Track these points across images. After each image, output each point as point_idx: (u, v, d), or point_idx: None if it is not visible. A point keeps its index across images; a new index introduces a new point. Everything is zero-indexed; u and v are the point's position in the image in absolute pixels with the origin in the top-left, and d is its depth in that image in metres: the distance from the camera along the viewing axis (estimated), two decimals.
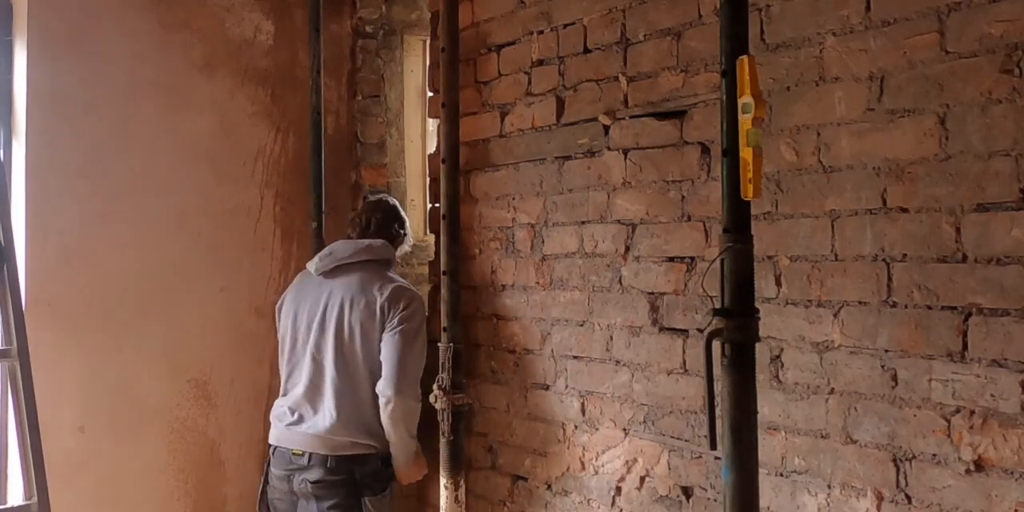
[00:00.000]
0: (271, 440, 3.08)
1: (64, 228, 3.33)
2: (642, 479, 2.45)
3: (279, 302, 3.25)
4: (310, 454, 2.92)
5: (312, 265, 3.13)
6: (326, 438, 2.92)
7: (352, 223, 3.24)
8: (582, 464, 2.64)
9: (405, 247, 3.35)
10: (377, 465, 2.96)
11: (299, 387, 3.04)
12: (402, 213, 3.30)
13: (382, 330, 2.95)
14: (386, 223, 3.20)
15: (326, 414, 2.95)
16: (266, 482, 3.07)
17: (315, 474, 2.90)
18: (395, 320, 2.95)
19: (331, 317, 3.01)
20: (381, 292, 2.98)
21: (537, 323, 2.82)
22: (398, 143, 4.01)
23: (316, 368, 3.02)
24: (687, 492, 2.33)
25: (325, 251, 3.14)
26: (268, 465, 3.07)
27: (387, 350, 2.93)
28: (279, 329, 3.20)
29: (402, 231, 3.26)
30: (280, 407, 3.09)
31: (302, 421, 2.99)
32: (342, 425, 2.92)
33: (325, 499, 2.89)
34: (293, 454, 2.95)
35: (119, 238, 3.43)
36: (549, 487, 2.77)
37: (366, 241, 3.13)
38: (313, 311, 3.06)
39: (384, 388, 2.91)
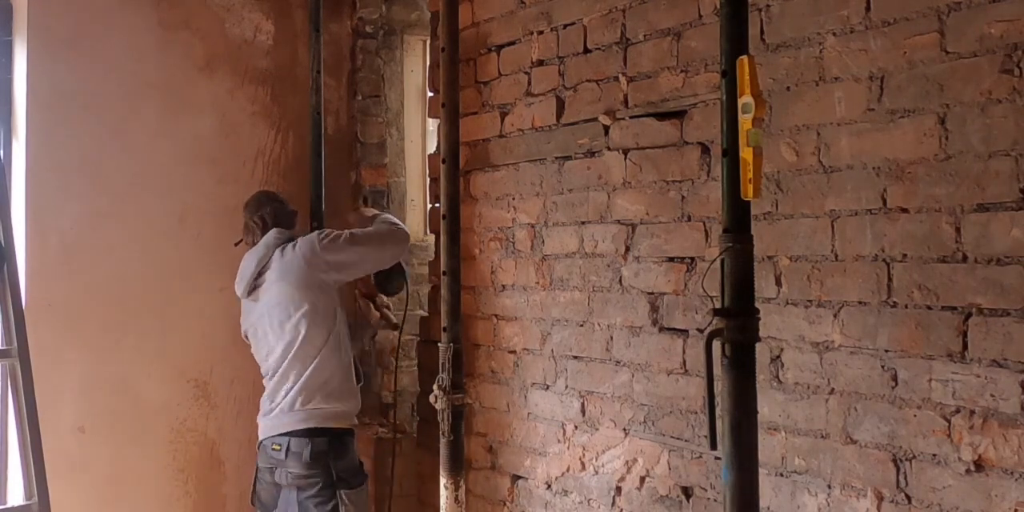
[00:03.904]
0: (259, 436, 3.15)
1: (64, 228, 3.33)
2: (642, 479, 2.45)
3: (242, 331, 3.28)
4: (286, 449, 2.97)
5: (238, 292, 3.21)
6: (290, 414, 2.99)
7: (247, 231, 3.24)
8: (582, 464, 2.64)
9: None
10: (353, 460, 3.03)
11: (270, 384, 3.12)
12: (280, 195, 3.34)
13: (318, 279, 3.01)
14: (279, 211, 3.22)
15: (288, 395, 3.02)
16: (256, 476, 3.14)
17: (293, 468, 2.96)
18: (317, 246, 3.01)
19: (274, 320, 3.06)
20: (295, 256, 3.03)
21: (537, 323, 2.82)
22: (398, 143, 4.00)
23: (280, 363, 3.07)
24: (687, 492, 2.33)
25: (238, 275, 3.19)
26: (258, 460, 3.14)
27: (346, 255, 3.03)
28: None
29: (290, 208, 3.28)
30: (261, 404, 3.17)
31: (272, 409, 3.06)
32: (302, 400, 2.99)
33: (304, 490, 2.96)
34: (272, 449, 3.00)
35: (119, 238, 3.43)
36: (549, 487, 2.77)
37: (260, 243, 3.15)
38: (264, 327, 3.10)
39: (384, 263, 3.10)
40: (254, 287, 3.14)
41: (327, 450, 2.96)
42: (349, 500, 2.95)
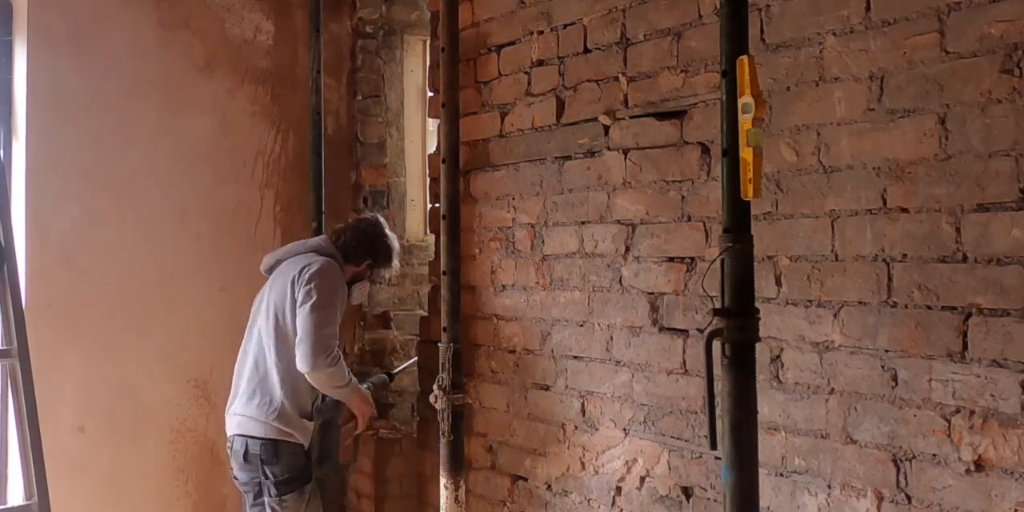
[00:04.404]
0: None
1: (64, 228, 3.33)
2: (642, 479, 2.45)
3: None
4: (233, 439, 3.00)
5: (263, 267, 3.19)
6: (241, 418, 2.99)
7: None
8: (582, 464, 2.64)
9: (389, 271, 3.30)
10: (288, 465, 2.96)
11: (236, 376, 3.12)
12: (381, 234, 3.19)
13: (293, 303, 2.98)
14: (353, 242, 3.13)
15: (243, 396, 3.02)
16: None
17: (235, 467, 3.01)
18: (300, 295, 2.95)
19: (261, 309, 3.07)
20: (298, 273, 2.99)
21: (537, 323, 2.82)
22: (398, 143, 4.01)
23: (244, 357, 3.10)
24: (687, 492, 2.33)
25: (271, 252, 3.21)
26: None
27: (298, 325, 2.94)
28: None
29: (368, 255, 3.15)
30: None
31: (232, 405, 3.07)
32: (255, 406, 2.97)
33: (247, 494, 3.02)
34: (228, 445, 3.04)
35: (119, 238, 3.43)
36: (549, 487, 2.77)
37: (304, 240, 3.17)
38: (256, 305, 3.12)
39: (300, 365, 2.93)
40: (276, 263, 3.12)
41: (264, 443, 2.94)
42: (270, 508, 2.96)
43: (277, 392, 2.96)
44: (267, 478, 2.94)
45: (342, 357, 2.98)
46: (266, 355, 3.01)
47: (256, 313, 3.11)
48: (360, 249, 3.13)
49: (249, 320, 3.15)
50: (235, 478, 3.06)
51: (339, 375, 2.96)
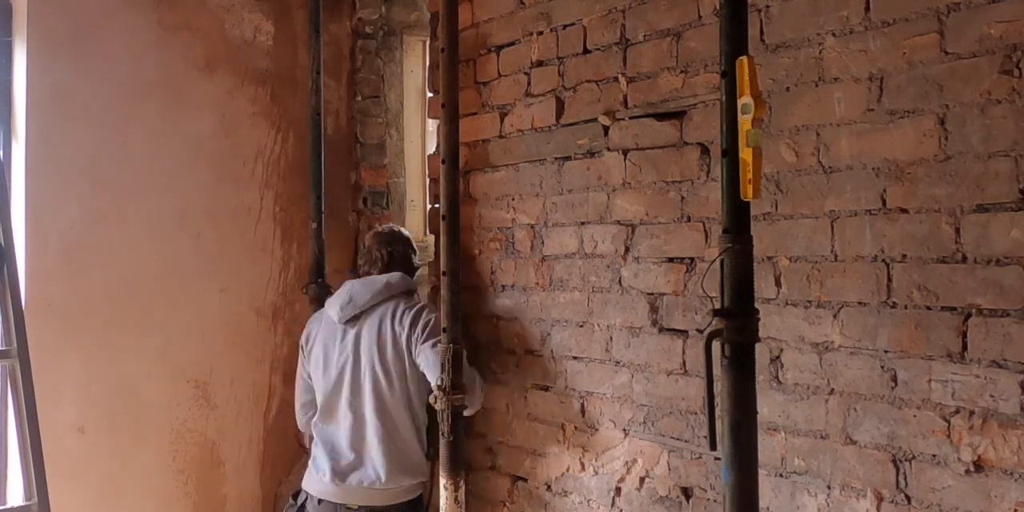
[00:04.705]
0: (311, 490, 3.01)
1: (64, 228, 3.33)
2: (642, 480, 2.45)
3: (303, 339, 3.18)
4: (367, 509, 2.91)
5: (335, 314, 3.04)
6: (381, 491, 2.92)
7: (368, 259, 3.15)
8: (582, 464, 2.64)
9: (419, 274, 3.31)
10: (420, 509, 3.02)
11: (341, 439, 2.99)
12: (413, 242, 3.25)
13: (411, 356, 2.93)
14: (405, 254, 3.14)
15: (376, 465, 2.93)
16: None
17: None
18: (418, 335, 2.91)
19: (364, 364, 2.96)
20: (402, 325, 2.94)
21: (537, 323, 2.82)
22: (398, 143, 4.01)
23: (356, 418, 2.97)
24: (687, 493, 2.33)
25: (344, 297, 3.04)
26: (301, 505, 3.03)
27: (427, 365, 2.88)
28: (306, 369, 3.15)
29: (416, 260, 3.21)
30: (321, 458, 3.01)
31: (351, 473, 2.95)
32: (394, 474, 2.92)
33: None
34: (348, 508, 2.92)
35: (119, 238, 3.43)
36: (549, 487, 2.77)
37: (383, 278, 3.06)
38: (343, 360, 3.00)
39: (472, 408, 2.88)
40: (359, 314, 3.01)
41: (407, 502, 2.96)
42: None
43: (407, 452, 2.96)
44: None
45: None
46: (383, 418, 2.93)
47: (347, 370, 2.98)
48: (412, 263, 3.18)
49: (324, 373, 3.03)
50: None
51: (482, 388, 2.94)
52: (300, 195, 3.73)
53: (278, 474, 3.75)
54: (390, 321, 2.96)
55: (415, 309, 2.99)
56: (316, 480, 3.00)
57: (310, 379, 3.13)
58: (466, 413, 2.85)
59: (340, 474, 2.95)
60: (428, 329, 2.91)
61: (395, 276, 3.06)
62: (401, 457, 2.94)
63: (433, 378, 2.82)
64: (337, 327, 3.04)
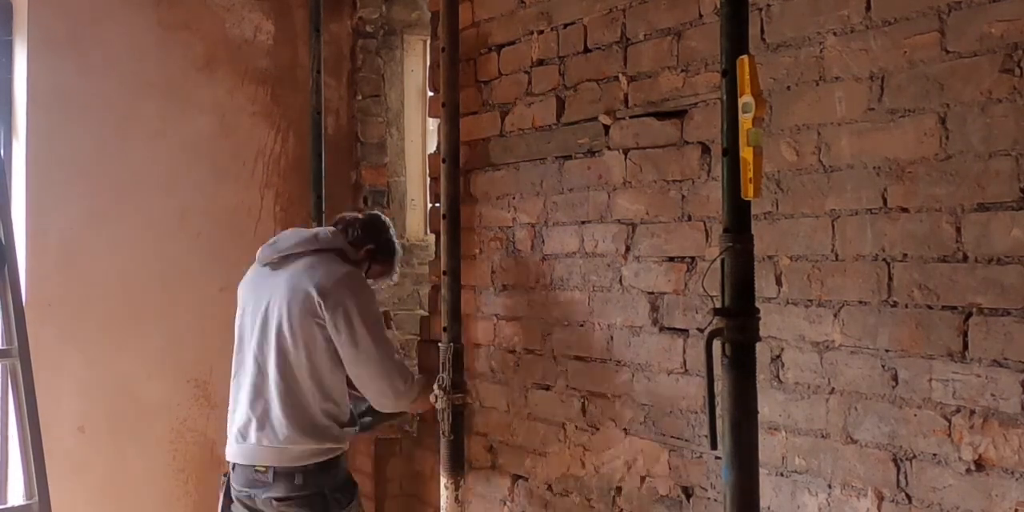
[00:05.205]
0: (228, 456, 2.86)
1: (64, 228, 3.33)
2: (642, 479, 2.45)
3: (239, 286, 3.02)
4: (273, 469, 2.72)
5: (258, 255, 2.91)
6: (283, 449, 2.73)
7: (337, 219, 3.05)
8: (582, 464, 2.64)
9: (389, 277, 3.12)
10: (343, 477, 2.82)
11: (244, 395, 2.83)
12: (385, 228, 3.05)
13: (322, 328, 2.74)
14: (358, 228, 2.96)
15: (277, 424, 2.74)
16: (228, 498, 2.85)
17: (281, 491, 2.71)
18: (334, 325, 2.72)
19: (272, 317, 2.79)
20: (315, 286, 2.73)
21: (537, 323, 2.82)
22: (398, 143, 4.01)
23: (259, 372, 2.81)
24: (687, 492, 2.33)
25: (271, 240, 2.93)
26: (228, 481, 2.86)
27: (349, 367, 2.75)
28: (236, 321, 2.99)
29: (369, 241, 2.96)
30: (231, 420, 2.87)
31: (255, 433, 2.76)
32: (297, 433, 2.72)
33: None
34: (256, 470, 2.74)
35: (119, 238, 3.43)
36: (549, 487, 2.76)
37: (314, 230, 2.93)
38: (257, 309, 2.85)
39: (383, 406, 2.81)
40: (281, 259, 2.84)
41: (318, 465, 2.73)
42: None
43: (315, 412, 2.75)
44: (328, 495, 2.74)
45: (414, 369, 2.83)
46: (285, 376, 2.76)
47: (255, 322, 2.83)
48: (363, 237, 2.96)
49: (240, 323, 2.91)
50: (272, 501, 2.74)
51: (420, 390, 2.86)
52: (300, 194, 3.73)
53: None
54: (306, 276, 2.76)
55: (338, 276, 2.77)
56: (229, 445, 2.85)
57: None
58: (381, 409, 2.80)
59: (242, 433, 2.79)
60: (354, 314, 2.71)
61: (326, 230, 2.91)
62: (302, 420, 2.73)
63: (368, 382, 2.74)
64: (260, 273, 2.90)
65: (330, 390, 2.80)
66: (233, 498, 2.83)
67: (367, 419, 3.01)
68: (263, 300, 2.85)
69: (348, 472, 2.89)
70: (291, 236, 2.91)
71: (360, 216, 3.08)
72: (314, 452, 2.74)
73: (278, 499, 2.71)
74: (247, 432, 2.79)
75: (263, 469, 2.73)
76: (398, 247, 3.11)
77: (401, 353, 2.80)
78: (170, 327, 3.51)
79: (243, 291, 2.98)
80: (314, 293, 2.73)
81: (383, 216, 3.16)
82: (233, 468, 2.83)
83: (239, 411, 2.84)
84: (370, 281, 3.01)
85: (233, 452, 2.83)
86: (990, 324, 1.72)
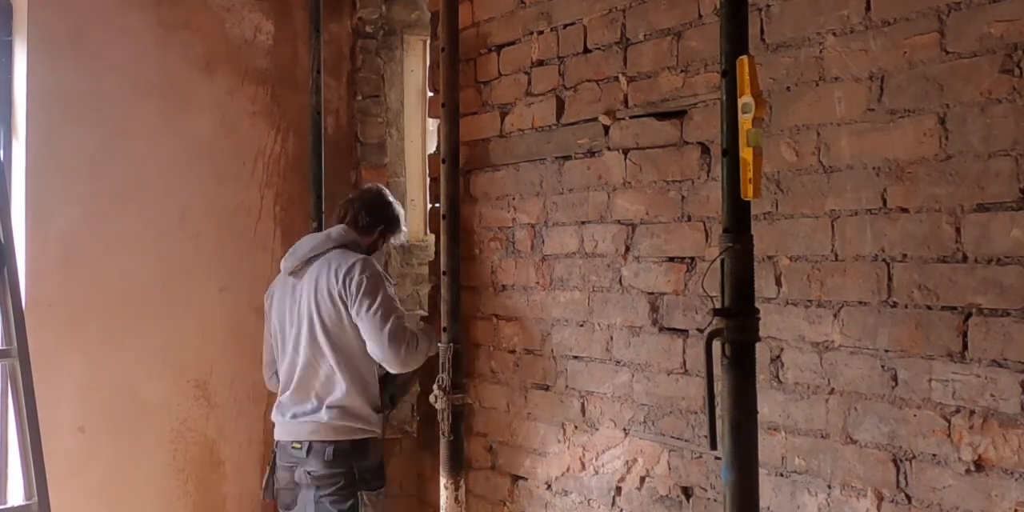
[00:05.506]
0: (275, 436, 3.11)
1: (64, 228, 3.33)
2: (642, 479, 2.45)
3: (267, 295, 3.22)
4: (309, 444, 2.96)
5: (282, 266, 3.14)
6: (319, 425, 2.96)
7: (337, 213, 3.22)
8: (582, 464, 2.64)
9: (399, 238, 3.32)
10: (376, 459, 3.02)
11: (291, 384, 3.06)
12: (387, 203, 3.22)
13: (347, 311, 2.95)
14: (363, 214, 3.15)
15: (317, 404, 2.99)
16: (272, 471, 3.11)
17: (314, 466, 2.95)
18: (355, 305, 2.93)
19: (304, 314, 3.01)
20: (337, 277, 2.96)
21: (537, 323, 2.82)
22: (398, 143, 4.01)
23: (304, 364, 3.02)
24: (687, 492, 2.33)
25: (291, 249, 3.14)
26: (275, 456, 3.11)
27: (367, 337, 2.94)
28: (267, 326, 3.21)
29: (379, 223, 3.17)
30: (278, 405, 3.12)
31: (297, 414, 3.02)
32: (334, 412, 2.96)
33: (323, 488, 2.96)
34: (292, 447, 3.00)
35: (119, 238, 3.43)
36: (549, 487, 2.77)
37: (326, 231, 3.16)
38: (291, 312, 3.07)
39: (392, 367, 2.95)
40: (303, 264, 3.06)
41: (349, 444, 2.95)
42: (368, 500, 2.95)
43: (350, 393, 2.97)
44: (358, 475, 2.97)
45: (415, 330, 3.03)
46: (324, 363, 3.00)
47: (291, 320, 3.07)
48: (372, 221, 3.16)
49: (279, 326, 3.11)
50: (307, 474, 2.98)
51: (424, 350, 2.99)
52: (300, 195, 3.73)
53: None
54: (327, 272, 2.98)
55: (349, 264, 2.98)
56: (276, 425, 3.11)
57: (271, 337, 3.19)
58: (392, 370, 2.96)
59: (291, 415, 3.03)
60: (362, 291, 2.92)
61: (337, 228, 3.12)
62: (342, 402, 2.97)
63: (373, 348, 2.91)
64: (287, 281, 3.11)
65: (363, 373, 3.01)
66: (276, 470, 3.10)
67: (391, 396, 3.18)
68: (295, 303, 3.07)
69: (382, 460, 3.09)
70: (307, 242, 3.13)
71: (359, 196, 3.24)
72: (348, 429, 2.97)
73: (312, 473, 2.96)
74: (286, 412, 3.06)
75: (298, 445, 2.99)
76: (400, 210, 3.28)
77: (404, 314, 3.02)
78: (170, 327, 3.51)
79: (272, 299, 3.19)
80: (334, 282, 2.96)
81: (379, 188, 3.30)
82: (277, 444, 3.10)
83: (285, 395, 3.09)
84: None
85: (278, 431, 3.10)
86: (990, 324, 1.72)
